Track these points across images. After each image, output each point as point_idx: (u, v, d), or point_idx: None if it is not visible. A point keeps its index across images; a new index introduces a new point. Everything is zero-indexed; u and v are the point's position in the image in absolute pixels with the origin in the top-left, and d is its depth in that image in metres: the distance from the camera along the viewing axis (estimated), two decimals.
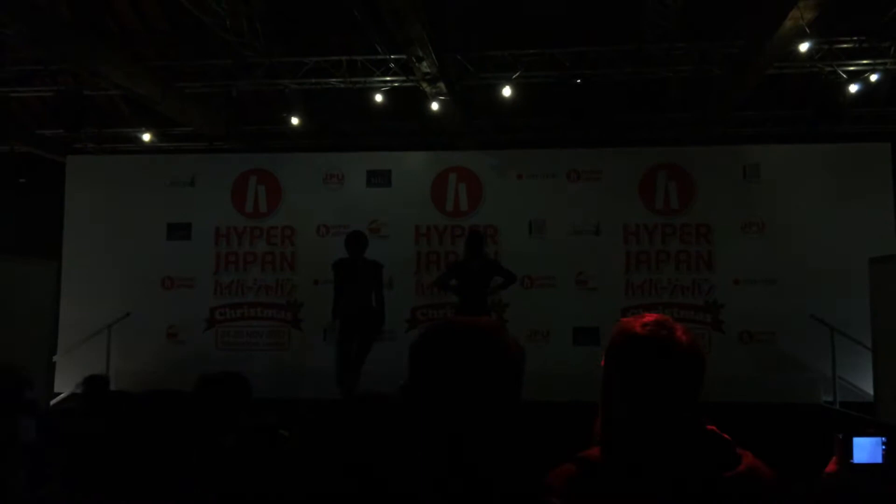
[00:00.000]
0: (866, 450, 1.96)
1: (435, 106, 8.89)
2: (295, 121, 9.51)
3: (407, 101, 9.41)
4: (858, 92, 8.16)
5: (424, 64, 7.79)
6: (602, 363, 1.61)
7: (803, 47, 7.22)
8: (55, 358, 9.47)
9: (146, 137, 10.49)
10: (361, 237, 7.70)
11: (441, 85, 8.39)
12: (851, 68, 8.07)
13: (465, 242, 7.93)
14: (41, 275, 8.46)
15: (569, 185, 9.91)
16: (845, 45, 7.89)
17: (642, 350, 1.54)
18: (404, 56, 7.96)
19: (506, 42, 8.55)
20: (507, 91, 8.59)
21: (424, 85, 8.42)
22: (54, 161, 10.97)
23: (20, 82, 8.96)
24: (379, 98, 8.88)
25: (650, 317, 1.57)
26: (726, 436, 1.54)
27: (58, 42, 7.62)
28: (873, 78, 8.04)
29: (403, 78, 8.63)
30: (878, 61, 7.93)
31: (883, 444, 1.99)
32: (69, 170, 10.52)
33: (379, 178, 10.14)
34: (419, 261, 9.96)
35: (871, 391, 8.33)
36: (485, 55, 8.54)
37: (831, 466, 2.07)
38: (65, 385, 9.49)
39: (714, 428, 1.55)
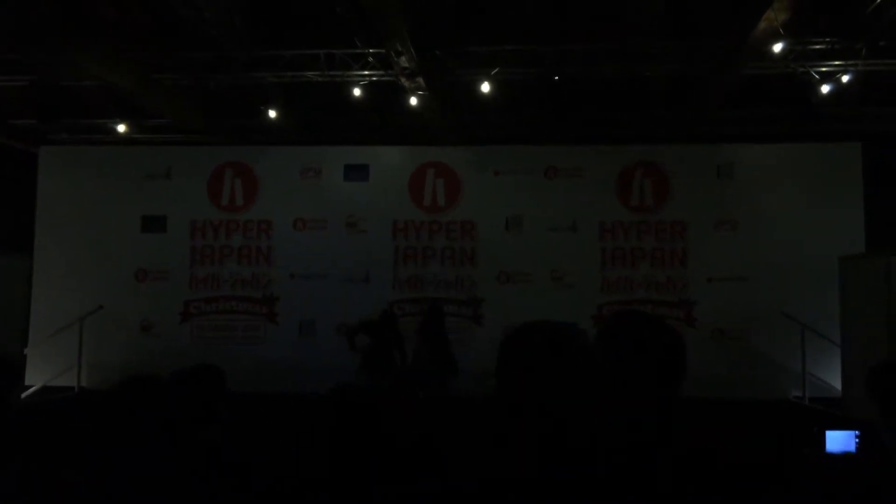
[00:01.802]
0: (839, 443, 2.01)
1: (413, 101, 8.88)
2: (272, 114, 9.44)
3: (385, 95, 9.37)
4: (830, 92, 8.28)
5: (403, 58, 7.78)
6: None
7: (777, 48, 7.32)
8: (26, 350, 9.36)
9: (121, 129, 10.34)
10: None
11: (420, 80, 8.38)
12: (824, 69, 8.18)
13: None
14: (12, 267, 8.35)
15: (546, 182, 9.97)
16: (818, 46, 8.00)
17: (625, 341, 1.58)
18: (383, 50, 7.93)
19: (485, 38, 8.55)
20: (486, 87, 8.60)
21: (403, 80, 8.40)
22: (27, 151, 10.79)
23: None
24: (357, 92, 8.84)
25: (634, 311, 1.62)
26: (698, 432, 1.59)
27: (35, 32, 7.50)
28: (845, 79, 8.16)
29: (382, 72, 8.59)
30: (850, 62, 8.05)
31: (856, 437, 2.04)
32: (42, 160, 10.37)
33: (357, 173, 10.13)
34: (397, 255, 9.96)
35: (839, 386, 8.50)
36: (464, 50, 8.52)
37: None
38: (35, 378, 9.39)
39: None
